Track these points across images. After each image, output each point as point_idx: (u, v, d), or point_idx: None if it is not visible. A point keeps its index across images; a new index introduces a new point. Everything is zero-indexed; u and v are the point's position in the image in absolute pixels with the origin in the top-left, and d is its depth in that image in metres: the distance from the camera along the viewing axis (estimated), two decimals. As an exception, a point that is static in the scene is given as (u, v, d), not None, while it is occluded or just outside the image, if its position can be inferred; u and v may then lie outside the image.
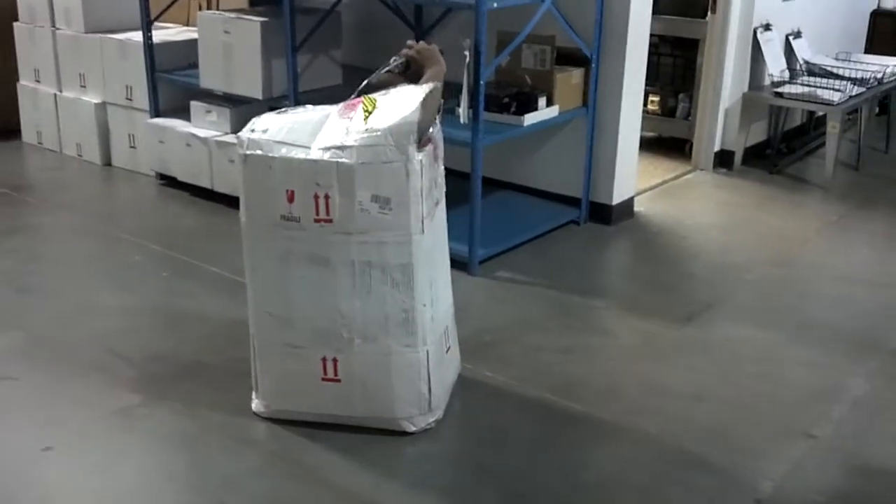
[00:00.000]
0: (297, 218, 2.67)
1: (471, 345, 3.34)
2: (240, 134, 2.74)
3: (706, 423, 2.96)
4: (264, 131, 2.70)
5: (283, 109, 2.87)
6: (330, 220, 2.65)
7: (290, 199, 2.65)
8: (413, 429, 2.84)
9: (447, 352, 3.03)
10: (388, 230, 2.65)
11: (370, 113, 2.63)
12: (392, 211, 2.62)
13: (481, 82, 3.80)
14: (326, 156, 2.61)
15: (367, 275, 2.69)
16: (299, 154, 2.63)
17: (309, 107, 2.85)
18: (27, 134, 5.87)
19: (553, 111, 4.24)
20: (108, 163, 5.48)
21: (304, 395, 2.87)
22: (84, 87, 5.45)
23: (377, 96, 2.72)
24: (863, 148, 5.79)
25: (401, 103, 2.64)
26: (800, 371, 3.31)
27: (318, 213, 2.65)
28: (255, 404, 2.95)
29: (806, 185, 5.41)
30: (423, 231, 2.68)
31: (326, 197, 2.62)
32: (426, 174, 2.68)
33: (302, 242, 2.70)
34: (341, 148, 2.61)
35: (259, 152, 2.67)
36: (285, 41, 4.45)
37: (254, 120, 2.78)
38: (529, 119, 4.11)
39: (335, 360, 2.78)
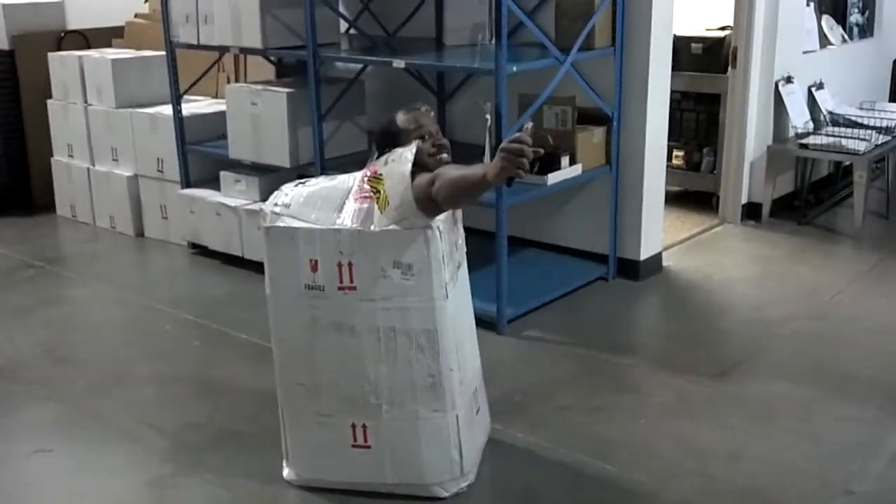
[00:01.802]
0: (322, 287, 2.69)
1: (501, 406, 3.32)
2: (262, 207, 2.79)
3: (743, 483, 2.91)
4: (286, 205, 2.75)
5: (303, 181, 2.92)
6: (354, 288, 2.67)
7: (314, 268, 2.68)
8: (445, 494, 2.82)
9: (477, 414, 3.02)
10: (411, 296, 2.66)
11: (379, 193, 2.65)
12: (415, 277, 2.64)
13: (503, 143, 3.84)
14: (348, 225, 2.64)
15: (393, 341, 2.70)
16: (321, 224, 2.67)
17: (328, 177, 2.90)
18: (61, 208, 5.99)
19: (576, 170, 4.27)
20: (140, 234, 5.57)
21: (335, 463, 2.86)
22: (116, 160, 5.57)
23: (382, 170, 2.71)
24: (892, 196, 5.75)
25: (396, 178, 2.64)
26: (837, 426, 3.25)
27: (341, 282, 2.67)
28: (287, 472, 2.95)
29: (836, 236, 5.37)
30: (446, 296, 2.69)
31: (350, 265, 2.65)
32: (446, 239, 2.70)
33: (327, 311, 2.72)
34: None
35: (281, 224, 2.71)
36: (311, 110, 4.53)
37: (276, 193, 2.83)
38: (553, 178, 4.14)
39: (364, 427, 2.78)
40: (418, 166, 2.71)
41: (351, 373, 2.75)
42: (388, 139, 2.86)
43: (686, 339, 4.05)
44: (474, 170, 2.58)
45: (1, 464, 3.15)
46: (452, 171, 2.63)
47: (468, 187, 2.59)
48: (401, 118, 2.89)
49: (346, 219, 2.68)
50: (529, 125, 2.50)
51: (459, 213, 2.91)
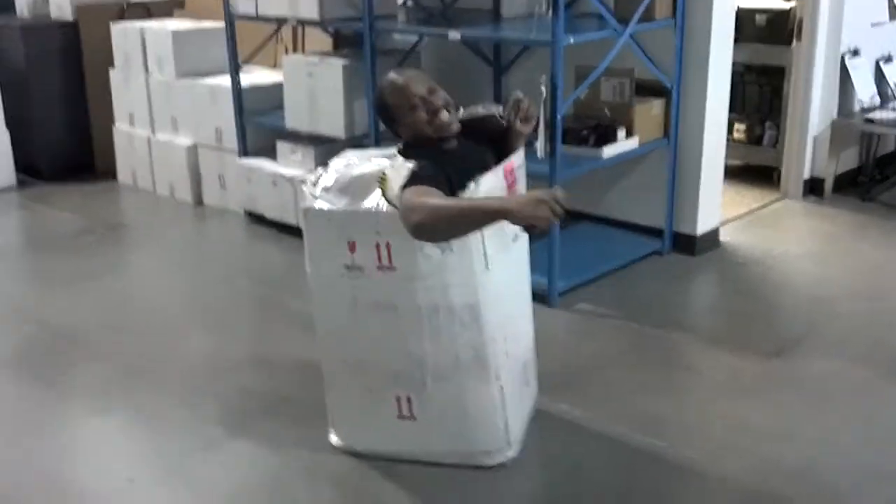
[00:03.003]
0: (361, 267, 2.68)
1: (550, 379, 3.31)
2: (303, 187, 2.80)
3: (794, 464, 2.87)
4: (325, 187, 2.75)
5: (350, 159, 2.89)
6: (393, 268, 2.65)
7: (352, 249, 2.67)
8: (491, 463, 2.83)
9: (527, 386, 3.02)
10: (451, 272, 2.62)
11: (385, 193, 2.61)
12: (454, 252, 2.60)
13: (558, 116, 3.80)
14: (385, 206, 2.61)
15: (436, 318, 2.67)
16: (358, 206, 2.66)
17: (378, 155, 2.88)
18: (123, 175, 6.11)
19: (633, 143, 4.21)
20: (199, 202, 5.65)
21: (380, 434, 2.89)
22: (176, 130, 5.65)
23: (386, 171, 2.66)
24: (962, 173, 5.57)
25: (394, 192, 2.57)
26: (893, 408, 3.18)
27: (380, 262, 2.65)
28: (334, 439, 2.99)
29: (901, 213, 5.23)
30: (487, 268, 2.64)
31: (388, 245, 2.63)
32: None
33: (367, 290, 2.71)
34: None
35: (319, 206, 2.72)
36: (366, 82, 4.53)
37: (320, 170, 2.83)
38: (609, 151, 4.09)
39: (409, 399, 2.79)
40: (416, 145, 2.71)
41: (394, 350, 2.75)
42: (385, 116, 2.80)
43: (741, 316, 3.99)
44: (479, 202, 2.41)
45: (59, 424, 3.25)
46: (434, 202, 2.40)
47: (469, 221, 2.39)
48: (388, 94, 2.75)
49: (378, 203, 2.64)
50: (558, 190, 2.31)
51: (521, 185, 2.87)
